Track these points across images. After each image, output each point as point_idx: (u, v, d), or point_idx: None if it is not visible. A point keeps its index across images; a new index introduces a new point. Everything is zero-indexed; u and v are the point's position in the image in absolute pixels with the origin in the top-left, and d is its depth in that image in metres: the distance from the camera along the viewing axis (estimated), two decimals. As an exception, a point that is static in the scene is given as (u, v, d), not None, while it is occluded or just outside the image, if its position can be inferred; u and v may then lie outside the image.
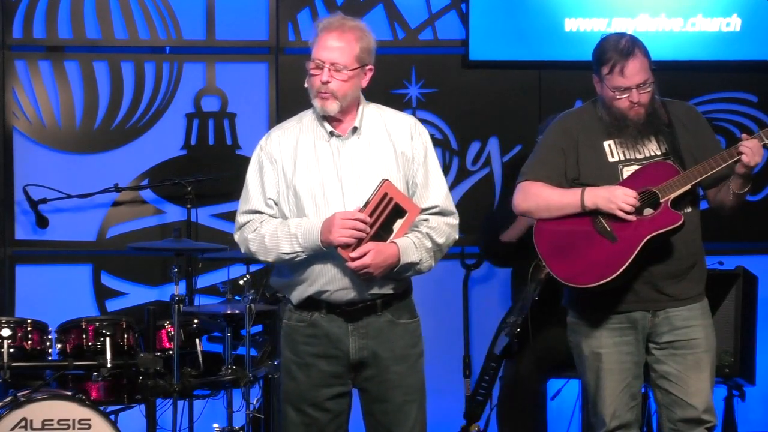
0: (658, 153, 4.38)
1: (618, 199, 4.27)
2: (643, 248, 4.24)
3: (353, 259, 3.94)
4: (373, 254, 3.94)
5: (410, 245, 4.02)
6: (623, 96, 4.32)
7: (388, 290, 4.08)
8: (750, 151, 4.24)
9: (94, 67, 6.30)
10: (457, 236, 4.16)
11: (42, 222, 6.18)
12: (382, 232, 3.97)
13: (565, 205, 4.36)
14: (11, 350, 5.11)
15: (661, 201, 4.28)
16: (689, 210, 4.36)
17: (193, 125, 6.36)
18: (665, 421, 4.43)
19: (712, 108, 6.43)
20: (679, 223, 4.25)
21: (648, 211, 4.30)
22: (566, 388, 5.81)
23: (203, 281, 6.14)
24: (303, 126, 4.14)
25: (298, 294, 4.11)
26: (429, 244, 4.07)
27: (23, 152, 6.24)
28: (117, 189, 6.14)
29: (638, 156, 4.38)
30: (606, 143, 4.40)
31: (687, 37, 6.35)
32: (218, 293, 5.74)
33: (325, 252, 3.99)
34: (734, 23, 6.35)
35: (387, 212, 3.97)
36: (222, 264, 6.07)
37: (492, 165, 6.47)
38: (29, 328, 5.20)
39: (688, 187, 4.28)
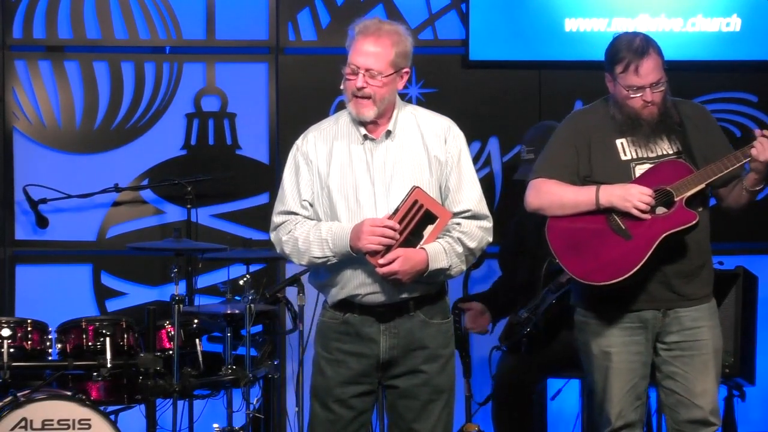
0: (671, 152, 4.39)
1: (633, 197, 4.28)
2: (658, 247, 4.25)
3: (382, 266, 3.95)
4: (401, 261, 3.95)
5: (440, 251, 4.02)
6: (637, 95, 4.34)
7: (419, 292, 4.09)
8: (761, 145, 4.26)
9: (94, 67, 6.30)
10: (490, 239, 4.16)
11: (42, 222, 6.18)
12: (413, 238, 3.98)
13: (579, 202, 4.37)
14: (11, 350, 5.12)
15: (675, 199, 4.29)
16: (700, 209, 4.37)
17: (193, 125, 6.35)
18: (669, 422, 4.44)
19: (712, 108, 6.39)
20: (694, 221, 4.27)
21: (661, 210, 4.31)
22: (566, 388, 5.81)
23: (203, 281, 6.14)
24: (339, 127, 4.15)
25: (332, 296, 4.15)
26: (460, 249, 4.07)
27: (23, 152, 6.24)
28: (117, 189, 6.14)
29: (650, 155, 4.39)
30: (618, 141, 4.41)
31: (687, 37, 6.35)
32: (218, 293, 5.73)
33: (356, 256, 4.00)
34: (734, 23, 6.35)
35: (417, 219, 3.97)
36: (222, 264, 6.07)
37: (492, 165, 6.47)
38: (29, 328, 5.20)
39: (703, 185, 4.30)
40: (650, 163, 4.37)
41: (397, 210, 3.96)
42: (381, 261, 3.96)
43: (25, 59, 6.27)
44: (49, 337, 5.24)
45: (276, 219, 4.17)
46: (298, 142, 4.19)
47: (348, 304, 4.11)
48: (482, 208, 4.15)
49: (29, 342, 5.19)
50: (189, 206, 6.06)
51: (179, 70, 6.34)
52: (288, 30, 6.36)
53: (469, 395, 5.88)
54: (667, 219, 4.28)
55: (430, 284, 4.10)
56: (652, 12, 6.32)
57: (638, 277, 4.29)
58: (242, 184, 6.31)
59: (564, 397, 5.84)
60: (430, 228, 3.99)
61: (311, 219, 4.12)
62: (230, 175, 6.22)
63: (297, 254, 4.10)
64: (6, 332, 5.11)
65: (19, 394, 5.01)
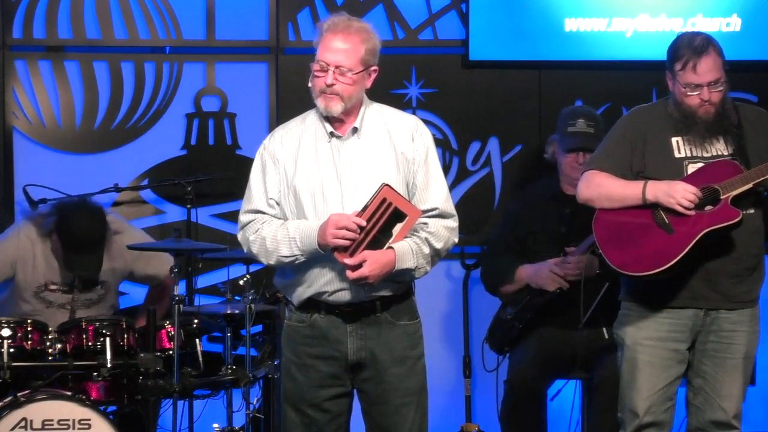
0: (726, 153, 4.42)
1: (678, 193, 4.32)
2: (700, 242, 4.29)
3: (350, 266, 3.94)
4: (370, 264, 3.95)
5: (407, 251, 4.02)
6: (694, 93, 4.37)
7: (387, 292, 4.08)
8: None
9: (94, 67, 6.29)
10: (456, 239, 4.16)
11: (42, 222, 6.17)
12: (381, 236, 3.97)
13: (626, 196, 4.41)
14: (11, 350, 5.11)
15: (721, 197, 4.31)
16: (751, 211, 4.39)
17: (193, 125, 6.35)
18: (693, 421, 4.47)
19: (712, 108, 6.42)
20: (737, 219, 4.29)
21: (709, 208, 4.33)
22: (566, 388, 5.81)
23: (203, 281, 6.14)
24: (306, 126, 4.14)
25: (298, 295, 4.12)
26: (427, 250, 4.06)
27: (23, 152, 6.24)
28: (117, 189, 6.13)
29: (705, 154, 4.43)
30: (674, 139, 4.45)
31: (687, 37, 6.34)
32: (218, 293, 5.73)
33: (324, 254, 3.99)
34: (734, 23, 6.35)
35: (386, 217, 3.96)
36: (222, 264, 6.06)
37: (492, 165, 6.47)
38: (29, 328, 5.19)
39: (750, 185, 4.33)
40: (704, 162, 4.42)
41: (365, 207, 3.95)
42: (349, 261, 3.95)
43: (25, 59, 6.26)
44: (49, 337, 5.23)
45: (243, 218, 4.17)
46: (265, 141, 4.20)
47: (314, 304, 4.10)
48: (449, 206, 4.15)
49: (29, 342, 5.18)
50: (189, 206, 6.06)
51: (179, 70, 6.34)
52: (288, 30, 6.36)
53: (468, 395, 5.89)
54: (710, 215, 4.33)
55: (397, 283, 4.09)
56: (652, 12, 6.32)
57: (677, 272, 4.32)
58: (242, 184, 6.26)
59: (564, 397, 5.84)
60: (399, 226, 3.98)
61: (278, 218, 4.11)
62: (230, 175, 6.22)
63: (265, 254, 4.09)
64: (6, 332, 5.11)
65: (19, 394, 5.01)
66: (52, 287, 5.52)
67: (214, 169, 6.22)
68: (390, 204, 3.95)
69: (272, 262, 4.10)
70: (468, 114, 6.40)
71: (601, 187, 4.45)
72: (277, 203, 4.12)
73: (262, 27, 6.36)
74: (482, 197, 6.40)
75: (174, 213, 6.31)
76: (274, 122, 6.30)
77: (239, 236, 4.18)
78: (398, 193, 3.99)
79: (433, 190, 4.12)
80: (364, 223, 3.94)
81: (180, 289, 5.24)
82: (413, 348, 4.15)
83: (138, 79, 6.31)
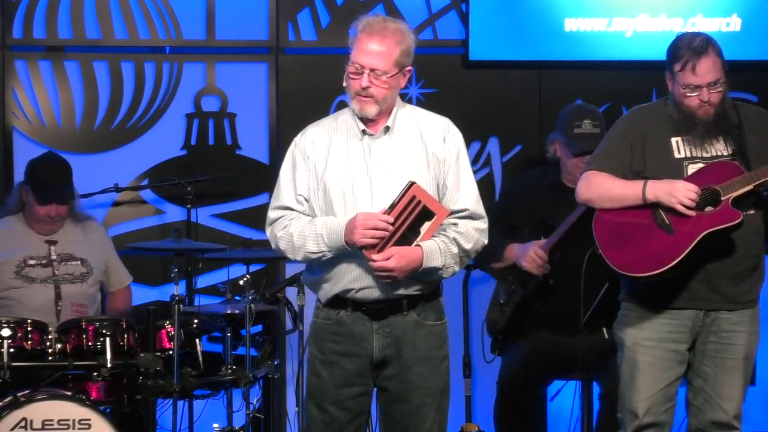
0: (725, 153, 4.41)
1: (679, 193, 4.31)
2: (700, 244, 4.28)
3: (376, 261, 3.95)
4: (396, 258, 3.95)
5: (435, 250, 4.03)
6: (693, 94, 4.37)
7: (414, 291, 4.09)
8: None
9: (94, 67, 6.30)
10: (486, 241, 4.16)
11: (42, 222, 6.17)
12: (409, 234, 3.98)
13: (627, 196, 4.41)
14: (11, 350, 5.11)
15: (722, 198, 4.31)
16: (752, 212, 4.39)
17: (193, 125, 6.36)
18: (693, 422, 4.47)
19: (712, 108, 6.42)
20: (738, 221, 4.28)
21: (709, 209, 4.33)
22: (565, 388, 5.81)
23: (203, 281, 6.14)
24: (338, 124, 4.16)
25: (325, 292, 4.13)
26: (455, 250, 4.07)
27: (23, 152, 6.23)
28: (117, 189, 6.14)
29: (705, 155, 4.42)
30: (674, 140, 4.44)
31: (687, 37, 6.34)
32: (218, 293, 5.73)
33: (352, 251, 4.00)
34: (734, 23, 6.35)
35: (414, 215, 3.97)
36: (222, 264, 6.07)
37: (492, 165, 6.47)
38: (29, 328, 5.19)
39: (751, 187, 4.32)
40: (703, 163, 4.41)
41: (394, 205, 3.96)
42: (376, 257, 3.95)
43: (25, 59, 6.27)
44: (49, 337, 5.23)
45: (271, 214, 4.17)
46: (297, 138, 4.20)
47: (341, 301, 4.10)
48: (479, 208, 4.16)
49: (29, 342, 5.18)
50: (189, 206, 6.07)
51: (179, 70, 6.34)
52: (288, 30, 6.36)
53: (469, 395, 5.89)
54: (711, 217, 4.31)
55: (425, 283, 4.10)
56: (652, 12, 6.33)
57: (677, 273, 4.32)
58: (242, 184, 6.32)
59: (564, 397, 5.84)
60: (427, 224, 3.99)
61: (306, 214, 4.12)
62: (230, 175, 6.22)
63: (292, 250, 4.09)
64: (6, 332, 5.10)
65: (19, 394, 5.01)
66: (31, 262, 5.52)
67: (214, 169, 6.23)
68: (419, 202, 3.97)
69: (299, 258, 4.10)
70: (468, 114, 6.38)
71: (602, 188, 4.45)
72: (306, 200, 4.13)
73: (262, 27, 6.36)
74: (482, 197, 6.35)
75: (174, 213, 6.31)
76: (274, 122, 6.31)
77: (267, 232, 4.19)
78: (426, 192, 4.00)
79: (464, 191, 4.13)
80: (390, 220, 3.95)
81: (180, 289, 5.25)
82: (438, 349, 4.15)
83: (138, 79, 6.32)
